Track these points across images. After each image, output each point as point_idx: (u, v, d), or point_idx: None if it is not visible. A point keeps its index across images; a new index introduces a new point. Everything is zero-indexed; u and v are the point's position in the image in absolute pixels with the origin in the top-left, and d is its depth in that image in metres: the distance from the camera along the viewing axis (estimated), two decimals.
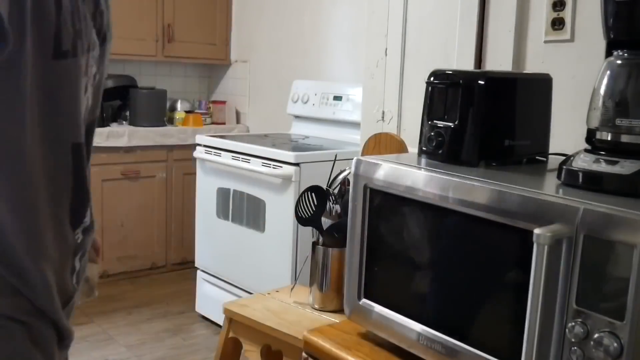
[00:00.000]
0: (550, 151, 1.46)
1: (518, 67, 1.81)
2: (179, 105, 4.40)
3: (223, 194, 3.23)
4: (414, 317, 1.29)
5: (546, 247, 0.99)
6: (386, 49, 2.16)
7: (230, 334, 1.97)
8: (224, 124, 4.40)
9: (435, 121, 1.41)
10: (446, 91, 1.39)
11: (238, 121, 4.46)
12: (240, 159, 3.06)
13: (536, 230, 1.00)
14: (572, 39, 1.69)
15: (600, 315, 0.98)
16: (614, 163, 1.12)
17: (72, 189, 0.90)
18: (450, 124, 1.38)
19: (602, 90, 1.18)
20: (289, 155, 2.84)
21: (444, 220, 1.25)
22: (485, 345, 1.16)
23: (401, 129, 2.14)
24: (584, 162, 1.16)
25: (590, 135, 1.21)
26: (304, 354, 1.50)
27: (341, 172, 2.02)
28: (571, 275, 1.02)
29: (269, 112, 4.20)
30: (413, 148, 1.81)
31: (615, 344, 0.96)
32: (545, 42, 1.75)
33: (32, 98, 0.80)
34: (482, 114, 1.35)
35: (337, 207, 1.96)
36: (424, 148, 1.44)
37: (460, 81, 1.37)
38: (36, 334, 0.85)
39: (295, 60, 3.92)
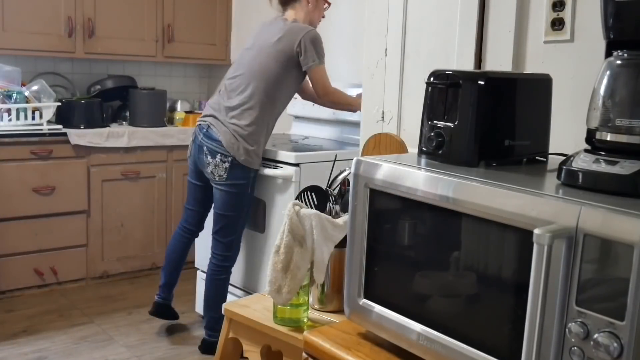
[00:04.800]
0: (550, 151, 1.46)
1: (518, 67, 1.81)
2: (178, 106, 4.40)
3: None
4: (414, 317, 1.29)
5: (546, 247, 0.99)
6: (386, 49, 2.15)
7: (230, 334, 1.97)
8: None
9: (435, 121, 1.41)
10: (446, 91, 1.39)
11: None
12: None
13: (536, 231, 1.00)
14: (572, 39, 1.69)
15: (600, 315, 0.98)
16: (613, 163, 1.12)
17: None
18: (450, 124, 1.38)
19: (602, 91, 1.18)
20: (289, 156, 2.84)
21: (443, 221, 1.25)
22: (485, 345, 1.16)
23: (401, 129, 2.14)
24: (584, 162, 1.16)
25: (590, 135, 1.21)
26: (304, 354, 1.50)
27: (341, 172, 2.02)
28: (571, 275, 1.01)
29: None
30: (413, 148, 1.81)
31: (615, 344, 0.96)
32: (545, 42, 1.75)
33: None
34: (482, 114, 1.35)
35: (337, 208, 1.96)
36: (424, 148, 1.44)
37: (460, 81, 1.37)
38: None
39: None
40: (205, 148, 2.84)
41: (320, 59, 2.87)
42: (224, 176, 2.81)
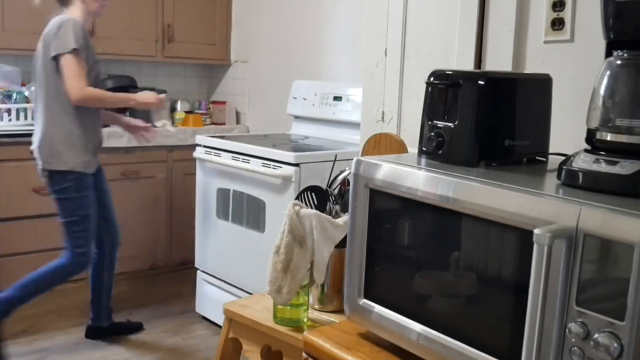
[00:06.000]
0: (550, 151, 1.46)
1: (518, 67, 1.81)
2: (178, 106, 4.40)
3: (223, 194, 3.23)
4: (414, 317, 1.29)
5: (546, 247, 0.99)
6: (386, 49, 2.16)
7: (230, 334, 1.97)
8: (224, 124, 4.40)
9: (435, 121, 1.41)
10: (446, 91, 1.39)
11: (238, 121, 4.47)
12: (240, 159, 3.07)
13: (536, 231, 1.00)
14: (572, 39, 1.69)
15: (600, 315, 0.98)
16: (613, 163, 1.12)
17: None
18: (450, 124, 1.38)
19: (602, 90, 1.18)
20: (289, 156, 2.84)
21: (443, 221, 1.25)
22: (485, 345, 1.16)
23: (401, 129, 2.14)
24: (584, 162, 1.16)
25: (590, 135, 1.21)
26: (304, 354, 1.50)
27: (341, 172, 2.02)
28: (571, 275, 1.02)
29: (269, 113, 4.20)
30: (413, 148, 1.81)
31: (615, 344, 0.96)
32: (545, 42, 1.75)
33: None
34: (482, 114, 1.35)
35: (337, 208, 1.96)
36: (424, 148, 1.44)
37: (460, 81, 1.37)
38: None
39: (295, 60, 3.92)
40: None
41: (72, 46, 2.64)
42: (49, 185, 2.80)
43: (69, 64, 2.64)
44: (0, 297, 2.83)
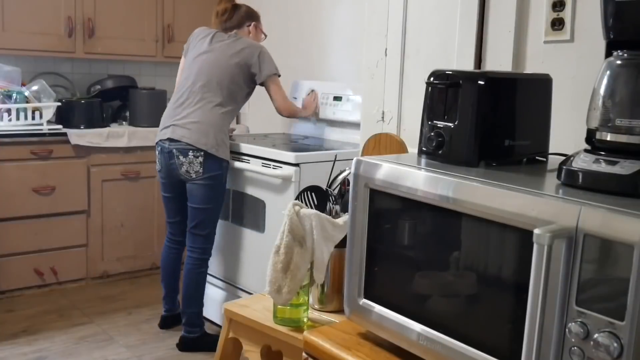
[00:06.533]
0: (550, 151, 1.46)
1: (518, 67, 1.81)
2: None
3: None
4: (414, 317, 1.29)
5: (546, 247, 0.99)
6: (386, 49, 2.15)
7: (230, 334, 1.97)
8: None
9: (435, 121, 1.41)
10: (446, 91, 1.39)
11: (238, 121, 4.46)
12: (240, 159, 3.07)
13: (536, 231, 1.00)
14: (571, 39, 1.69)
15: (600, 315, 0.98)
16: (613, 163, 1.12)
17: None
18: (450, 124, 1.38)
19: (602, 91, 1.18)
20: (289, 156, 2.84)
21: (443, 221, 1.25)
22: (485, 345, 1.16)
23: (401, 129, 2.14)
24: (584, 162, 1.16)
25: (590, 135, 1.21)
26: (304, 354, 1.50)
27: (341, 172, 2.02)
28: (571, 275, 1.02)
29: (269, 112, 4.18)
30: (413, 148, 1.81)
31: (615, 344, 0.96)
32: (545, 42, 1.75)
33: None
34: (482, 114, 1.35)
35: (337, 208, 1.96)
36: (424, 148, 1.44)
37: (460, 81, 1.37)
38: None
39: (295, 60, 3.92)
40: (175, 150, 2.91)
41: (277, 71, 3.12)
42: (200, 171, 2.89)
43: (279, 85, 3.12)
44: (191, 320, 3.09)
